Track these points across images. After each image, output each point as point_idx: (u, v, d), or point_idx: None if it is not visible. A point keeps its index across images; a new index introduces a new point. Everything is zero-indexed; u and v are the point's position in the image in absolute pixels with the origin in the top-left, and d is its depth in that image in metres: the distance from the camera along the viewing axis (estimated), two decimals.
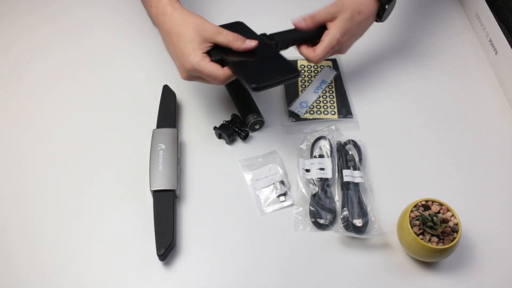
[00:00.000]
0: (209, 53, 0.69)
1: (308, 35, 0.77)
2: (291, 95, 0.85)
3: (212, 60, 0.69)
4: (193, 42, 0.68)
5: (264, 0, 1.01)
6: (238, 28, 0.74)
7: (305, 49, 0.77)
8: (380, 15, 0.79)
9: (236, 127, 0.79)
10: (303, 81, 0.88)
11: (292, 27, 0.76)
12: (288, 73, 0.68)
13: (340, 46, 0.77)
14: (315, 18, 0.75)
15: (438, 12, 1.01)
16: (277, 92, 0.86)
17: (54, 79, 0.88)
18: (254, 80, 0.66)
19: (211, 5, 0.99)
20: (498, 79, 0.90)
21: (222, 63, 0.69)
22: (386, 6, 0.78)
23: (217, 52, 0.70)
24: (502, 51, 0.87)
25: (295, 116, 0.83)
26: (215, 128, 0.80)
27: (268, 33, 0.75)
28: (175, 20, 0.70)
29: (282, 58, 0.71)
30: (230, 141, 0.79)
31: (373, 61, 0.92)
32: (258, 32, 0.75)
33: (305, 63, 0.90)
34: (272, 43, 0.74)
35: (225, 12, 0.98)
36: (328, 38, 0.74)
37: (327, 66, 0.90)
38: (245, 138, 0.79)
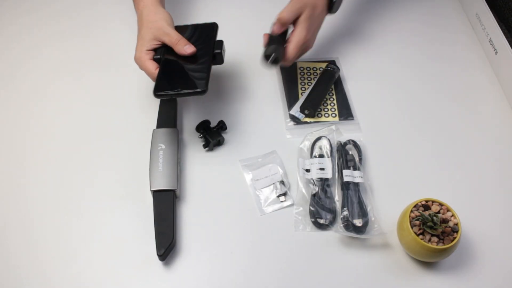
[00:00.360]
0: (156, 50, 0.76)
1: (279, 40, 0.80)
2: (291, 98, 0.85)
3: (154, 58, 0.76)
4: (143, 39, 0.76)
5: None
6: (204, 30, 0.79)
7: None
8: (330, 8, 0.83)
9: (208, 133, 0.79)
10: (302, 83, 0.88)
11: None
12: (192, 88, 0.71)
13: (307, 42, 0.81)
14: (283, 21, 0.78)
15: (438, 12, 1.01)
16: (277, 95, 0.86)
17: (54, 79, 0.88)
18: (157, 88, 0.71)
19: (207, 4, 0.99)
20: (498, 79, 0.90)
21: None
22: (334, 0, 0.82)
23: (161, 52, 0.76)
24: (502, 51, 0.87)
25: (296, 120, 0.83)
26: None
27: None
28: (142, 14, 0.79)
29: (206, 71, 0.74)
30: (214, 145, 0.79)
31: (372, 62, 0.92)
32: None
33: (304, 65, 0.90)
34: (217, 52, 0.77)
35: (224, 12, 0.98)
36: (295, 39, 0.78)
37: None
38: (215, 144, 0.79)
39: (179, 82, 0.73)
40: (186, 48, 0.75)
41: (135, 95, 0.86)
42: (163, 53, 0.76)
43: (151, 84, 0.85)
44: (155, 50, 0.76)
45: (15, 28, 0.95)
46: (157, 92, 0.71)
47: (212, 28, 0.80)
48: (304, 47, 0.81)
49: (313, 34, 0.82)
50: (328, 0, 0.82)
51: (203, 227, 0.71)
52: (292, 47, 0.78)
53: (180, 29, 0.79)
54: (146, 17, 0.78)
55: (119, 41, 0.93)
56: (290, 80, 0.88)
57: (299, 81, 0.88)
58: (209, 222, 0.72)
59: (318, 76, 0.86)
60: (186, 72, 0.75)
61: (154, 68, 0.74)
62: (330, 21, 0.98)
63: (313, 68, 0.90)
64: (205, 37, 0.78)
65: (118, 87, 0.87)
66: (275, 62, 0.77)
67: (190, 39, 0.77)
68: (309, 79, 0.88)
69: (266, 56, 0.77)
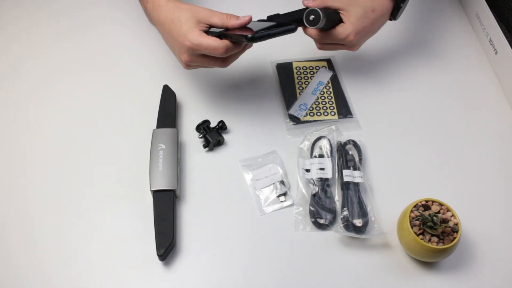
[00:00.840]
0: (206, 33, 0.70)
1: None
2: (290, 98, 0.85)
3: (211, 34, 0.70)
4: (188, 23, 0.69)
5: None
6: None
7: (312, 31, 0.76)
8: (395, 13, 0.79)
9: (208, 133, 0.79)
10: (300, 83, 0.88)
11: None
12: (284, 26, 0.67)
13: (351, 43, 0.77)
14: (326, 1, 0.74)
15: (438, 12, 1.01)
16: (276, 96, 0.86)
17: (54, 79, 0.88)
18: (250, 36, 0.65)
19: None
20: (498, 79, 0.90)
21: (220, 38, 0.70)
22: (401, 4, 0.78)
23: (214, 31, 0.70)
24: (502, 51, 0.87)
25: (295, 119, 0.83)
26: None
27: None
28: (169, 9, 0.72)
29: (277, 24, 0.70)
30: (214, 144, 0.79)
31: (371, 61, 0.92)
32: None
33: (300, 65, 0.90)
34: (270, 24, 0.72)
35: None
36: (338, 32, 0.74)
37: (323, 66, 0.90)
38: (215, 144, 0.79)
39: (267, 29, 0.67)
40: (241, 18, 0.69)
41: (135, 95, 0.86)
42: (216, 32, 0.70)
43: (152, 84, 0.85)
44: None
45: (15, 28, 0.95)
46: (255, 35, 0.65)
47: None
48: (346, 46, 0.78)
49: (362, 37, 0.78)
50: (393, 5, 0.77)
51: (203, 227, 0.71)
52: (330, 38, 0.74)
53: None
54: (178, 7, 0.71)
55: (120, 41, 0.93)
56: (287, 80, 0.88)
57: (296, 80, 0.88)
58: (209, 222, 0.72)
59: None
60: (262, 26, 0.69)
61: (218, 40, 0.68)
62: None
63: (309, 67, 0.90)
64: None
65: (118, 87, 0.87)
66: (314, 22, 0.71)
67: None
68: (306, 78, 0.88)
69: (311, 12, 0.71)
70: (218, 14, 0.70)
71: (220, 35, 0.70)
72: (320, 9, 0.71)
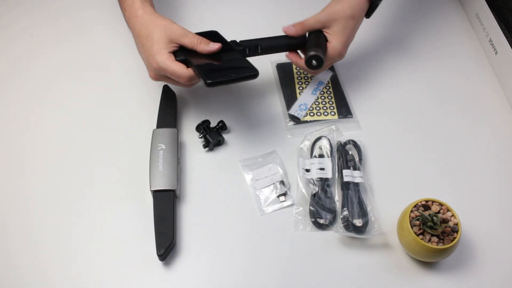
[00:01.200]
0: (175, 53, 0.72)
1: (290, 43, 0.78)
2: (290, 98, 0.85)
3: (177, 60, 0.71)
4: (160, 42, 0.71)
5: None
6: (211, 35, 0.77)
7: (294, 57, 0.79)
8: (370, 13, 0.80)
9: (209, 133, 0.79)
10: (300, 83, 0.88)
11: (274, 34, 0.78)
12: (245, 72, 0.70)
13: (341, 57, 0.79)
14: (305, 25, 0.76)
15: (438, 12, 1.01)
16: (276, 96, 0.86)
17: (54, 79, 0.88)
18: (209, 77, 0.68)
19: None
20: (498, 79, 0.90)
21: (187, 64, 0.72)
22: (378, 3, 0.79)
23: (182, 53, 0.72)
24: (502, 51, 0.87)
25: (295, 119, 0.83)
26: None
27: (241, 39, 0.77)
28: (144, 23, 0.73)
29: (244, 60, 0.72)
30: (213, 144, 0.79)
31: (371, 61, 0.92)
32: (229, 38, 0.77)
33: None
34: (239, 49, 0.76)
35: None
36: (329, 53, 0.76)
37: None
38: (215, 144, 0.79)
39: (228, 70, 0.70)
40: (211, 45, 0.72)
41: (135, 95, 0.86)
42: (183, 55, 0.72)
43: (152, 84, 0.85)
44: (173, 53, 0.72)
45: (15, 28, 0.95)
46: (210, 80, 0.67)
47: (216, 34, 0.78)
48: (337, 59, 0.79)
49: (347, 46, 0.79)
50: (369, 6, 0.78)
51: (203, 227, 0.71)
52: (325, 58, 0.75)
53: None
54: (154, 22, 0.73)
55: (120, 41, 0.93)
56: (287, 80, 0.88)
57: (296, 80, 0.88)
58: (209, 222, 0.72)
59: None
60: (225, 63, 0.72)
61: (184, 68, 0.70)
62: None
63: None
64: (217, 40, 0.76)
65: (118, 87, 0.87)
66: (317, 66, 0.74)
67: None
68: (306, 78, 0.88)
69: (313, 58, 0.74)
70: (191, 37, 0.72)
71: (186, 61, 0.72)
72: (320, 53, 0.73)
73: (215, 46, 0.72)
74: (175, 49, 0.72)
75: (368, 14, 0.80)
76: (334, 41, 0.76)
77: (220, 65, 0.72)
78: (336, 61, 0.81)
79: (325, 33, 0.77)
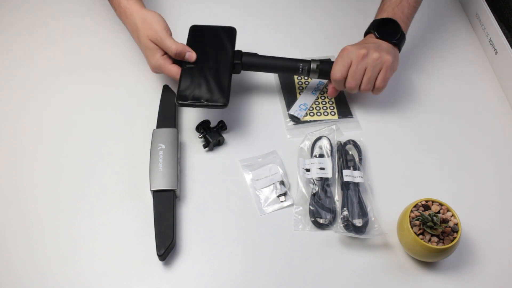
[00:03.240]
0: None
1: (285, 68, 0.80)
2: (290, 98, 0.85)
3: (175, 62, 0.77)
4: (149, 49, 0.77)
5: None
6: (223, 34, 0.79)
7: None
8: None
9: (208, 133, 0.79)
10: (300, 83, 0.88)
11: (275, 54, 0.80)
12: (214, 101, 0.74)
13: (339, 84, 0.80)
14: (338, 80, 0.78)
15: (438, 12, 1.01)
16: (276, 96, 0.86)
17: (54, 79, 0.88)
18: (179, 97, 0.74)
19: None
20: (498, 79, 0.90)
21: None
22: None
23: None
24: (502, 51, 0.87)
25: (295, 119, 0.83)
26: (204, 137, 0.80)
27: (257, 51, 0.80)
28: (134, 24, 0.79)
29: (226, 84, 0.76)
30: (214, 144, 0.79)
31: None
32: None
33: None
34: (237, 62, 0.78)
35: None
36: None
37: None
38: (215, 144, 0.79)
39: (201, 93, 0.75)
40: (187, 55, 0.76)
41: (135, 95, 0.86)
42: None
43: (152, 84, 0.85)
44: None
45: (15, 28, 0.95)
46: (179, 101, 0.74)
47: (231, 33, 0.80)
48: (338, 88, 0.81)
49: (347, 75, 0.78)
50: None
51: (203, 227, 0.71)
52: (330, 87, 0.81)
53: (199, 29, 0.80)
54: (142, 23, 0.77)
55: (120, 42, 0.93)
56: (287, 80, 0.88)
57: (296, 80, 0.88)
58: (209, 222, 0.72)
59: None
60: (207, 81, 0.76)
61: (179, 71, 0.76)
62: (325, 19, 0.98)
63: None
64: (225, 42, 0.79)
65: (118, 87, 0.87)
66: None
67: (210, 42, 0.77)
68: (305, 78, 0.88)
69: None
70: (167, 45, 0.75)
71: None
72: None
73: (190, 59, 0.76)
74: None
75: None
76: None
77: (203, 78, 0.76)
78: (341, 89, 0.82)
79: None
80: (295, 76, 0.89)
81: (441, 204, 0.67)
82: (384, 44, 0.78)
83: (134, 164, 0.76)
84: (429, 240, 0.64)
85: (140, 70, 0.89)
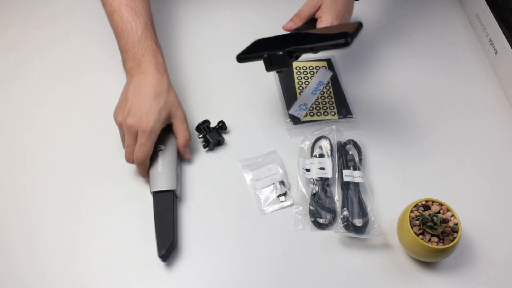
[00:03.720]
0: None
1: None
2: (290, 98, 0.85)
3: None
4: (160, 114, 0.71)
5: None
6: (258, 44, 0.75)
7: None
8: None
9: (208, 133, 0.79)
10: (300, 83, 0.88)
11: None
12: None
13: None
14: (301, 14, 0.78)
15: (438, 12, 1.01)
16: (276, 96, 0.86)
17: (54, 80, 0.88)
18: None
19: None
20: (498, 79, 0.90)
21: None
22: None
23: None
24: (502, 51, 0.87)
25: (295, 119, 0.83)
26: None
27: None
28: (154, 83, 0.72)
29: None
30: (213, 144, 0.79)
31: (371, 62, 0.92)
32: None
33: (300, 65, 0.90)
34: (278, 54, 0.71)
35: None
36: (322, 25, 0.76)
37: (323, 66, 0.90)
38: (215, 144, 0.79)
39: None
40: (185, 153, 0.76)
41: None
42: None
43: None
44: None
45: (14, 30, 0.95)
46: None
47: (261, 40, 0.77)
48: None
49: (342, 21, 0.78)
50: None
51: (203, 227, 0.71)
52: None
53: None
54: (164, 88, 0.72)
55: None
56: (287, 80, 0.88)
57: (296, 80, 0.88)
58: (209, 222, 0.72)
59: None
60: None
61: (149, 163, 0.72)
62: None
63: (309, 67, 0.90)
64: (266, 41, 0.75)
65: (118, 87, 0.87)
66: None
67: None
68: (306, 78, 0.88)
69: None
70: (180, 130, 0.74)
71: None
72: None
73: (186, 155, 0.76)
74: (166, 124, 0.73)
75: None
76: (324, 15, 0.77)
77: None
78: None
79: (317, 14, 0.78)
80: (295, 76, 0.89)
81: (441, 204, 0.67)
82: None
83: (134, 165, 0.76)
84: (429, 240, 0.64)
85: None
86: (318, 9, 0.78)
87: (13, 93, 0.86)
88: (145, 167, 0.72)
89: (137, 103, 0.71)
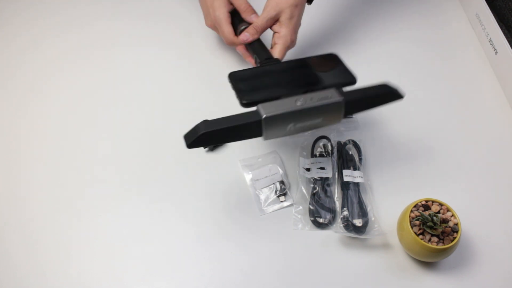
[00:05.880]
0: (234, 15, 0.81)
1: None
2: None
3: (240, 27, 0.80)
4: (216, 2, 0.80)
5: None
6: (329, 59, 0.75)
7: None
8: (311, 1, 0.83)
9: None
10: None
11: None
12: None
13: (293, 43, 0.81)
14: (257, 27, 0.79)
15: (438, 12, 1.01)
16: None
17: (51, 76, 0.88)
18: (244, 97, 0.67)
19: None
20: (498, 79, 0.90)
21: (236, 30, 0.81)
22: None
23: (243, 25, 0.80)
24: (502, 51, 0.87)
25: None
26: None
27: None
28: None
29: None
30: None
31: (371, 62, 0.92)
32: None
33: None
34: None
35: None
36: (282, 41, 0.78)
37: None
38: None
39: (264, 91, 0.70)
40: (250, 29, 0.78)
41: (134, 94, 0.86)
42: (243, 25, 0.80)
43: (151, 84, 0.85)
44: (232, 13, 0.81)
45: (15, 21, 0.95)
46: (249, 100, 0.68)
47: (336, 57, 0.76)
48: (290, 47, 0.81)
49: (296, 33, 0.81)
50: None
51: (203, 227, 0.71)
52: (278, 49, 0.78)
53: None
54: None
55: (121, 40, 0.93)
56: None
57: None
58: (209, 222, 0.72)
59: None
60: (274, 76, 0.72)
61: (232, 33, 0.79)
62: (325, 18, 0.98)
63: None
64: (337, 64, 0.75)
65: (118, 86, 0.87)
66: None
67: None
68: None
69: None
70: (240, 1, 0.80)
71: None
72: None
73: (245, 37, 0.78)
74: (232, 8, 0.80)
75: (309, 1, 0.83)
76: (284, 30, 0.78)
77: (267, 74, 0.71)
78: (290, 48, 0.81)
79: (274, 27, 0.80)
80: None
81: (441, 204, 0.67)
82: None
83: (134, 164, 0.76)
84: (429, 240, 0.64)
85: (139, 68, 0.89)
86: (275, 23, 0.79)
87: (12, 87, 0.86)
88: (238, 43, 0.80)
89: (203, 4, 0.83)
